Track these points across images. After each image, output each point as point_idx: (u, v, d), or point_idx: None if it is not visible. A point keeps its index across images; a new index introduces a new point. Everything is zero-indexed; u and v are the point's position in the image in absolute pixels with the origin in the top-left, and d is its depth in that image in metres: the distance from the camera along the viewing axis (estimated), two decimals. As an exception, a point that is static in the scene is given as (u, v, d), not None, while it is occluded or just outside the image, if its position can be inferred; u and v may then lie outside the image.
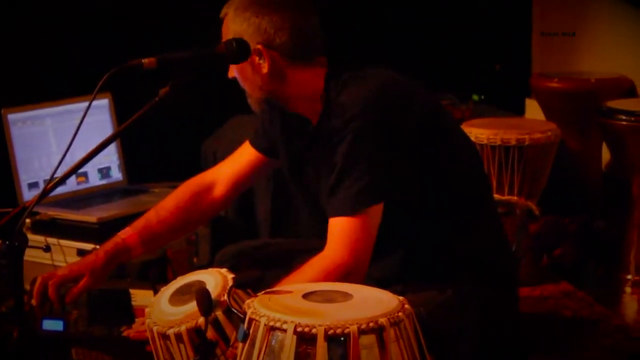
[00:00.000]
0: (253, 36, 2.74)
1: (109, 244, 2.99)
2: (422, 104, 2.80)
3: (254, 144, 3.11)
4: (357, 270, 2.63)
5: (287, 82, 2.79)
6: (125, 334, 2.78)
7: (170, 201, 3.12)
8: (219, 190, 3.14)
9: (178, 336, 2.33)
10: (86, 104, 2.61)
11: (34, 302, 2.85)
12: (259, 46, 2.75)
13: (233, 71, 2.84)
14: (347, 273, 2.60)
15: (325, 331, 2.00)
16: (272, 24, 2.74)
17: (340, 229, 2.66)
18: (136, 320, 2.90)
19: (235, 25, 2.76)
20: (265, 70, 2.77)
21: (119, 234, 3.02)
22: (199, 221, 3.23)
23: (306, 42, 2.79)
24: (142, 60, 2.63)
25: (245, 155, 3.13)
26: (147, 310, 2.46)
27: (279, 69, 2.77)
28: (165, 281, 3.49)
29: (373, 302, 2.14)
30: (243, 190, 3.23)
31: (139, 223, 3.05)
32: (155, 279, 3.64)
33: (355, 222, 2.65)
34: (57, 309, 2.92)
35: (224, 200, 3.17)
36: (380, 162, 2.67)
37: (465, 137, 2.98)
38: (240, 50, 2.72)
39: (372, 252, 2.69)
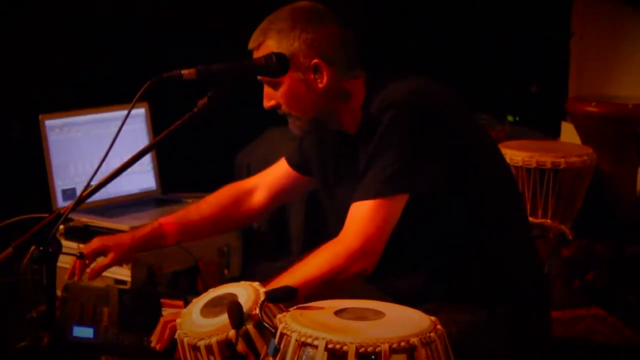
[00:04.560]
0: (308, 52, 2.73)
1: (147, 227, 3.11)
2: (461, 111, 2.80)
3: (288, 161, 3.13)
4: (366, 258, 2.63)
5: (340, 96, 2.79)
6: (152, 346, 2.78)
7: (211, 198, 3.20)
8: (258, 197, 3.19)
9: (208, 348, 2.33)
10: (123, 112, 2.63)
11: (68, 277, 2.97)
12: (317, 60, 2.74)
13: (274, 98, 2.81)
14: (356, 259, 2.62)
15: (357, 349, 2.00)
16: (325, 38, 2.75)
17: (358, 214, 2.66)
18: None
19: (282, 47, 2.73)
20: (322, 85, 2.76)
21: (159, 219, 3.12)
22: (235, 222, 3.28)
23: (352, 54, 2.80)
24: (182, 71, 2.63)
25: (282, 170, 3.16)
26: (178, 321, 2.46)
27: (334, 83, 2.77)
28: (196, 292, 3.51)
29: (405, 321, 2.14)
30: (280, 203, 3.28)
31: (178, 212, 3.16)
32: (185, 290, 3.65)
33: (375, 208, 2.64)
34: (87, 317, 2.94)
35: (262, 208, 3.21)
36: (410, 153, 2.66)
37: (501, 156, 2.97)
38: (279, 64, 2.71)
39: (399, 265, 2.69)
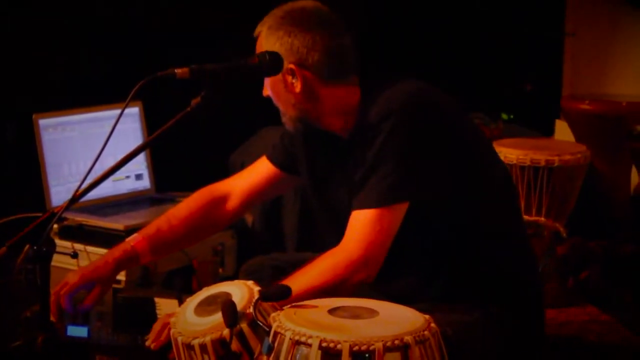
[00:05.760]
0: (286, 55, 2.72)
1: (118, 251, 2.96)
2: (455, 114, 2.80)
3: (271, 159, 3.10)
4: (368, 267, 2.63)
5: (320, 101, 2.78)
6: (147, 344, 2.78)
7: (182, 210, 3.10)
8: (232, 203, 3.13)
9: (202, 347, 2.33)
10: (117, 111, 2.62)
11: (53, 318, 2.82)
12: (292, 66, 2.74)
13: (267, 90, 2.84)
14: (357, 269, 2.61)
15: (350, 347, 2.00)
16: (305, 44, 2.73)
17: (359, 223, 2.65)
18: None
19: (268, 43, 2.75)
20: (298, 89, 2.76)
21: (128, 240, 3.00)
22: (209, 231, 3.21)
23: (339, 62, 2.78)
24: (175, 70, 2.62)
25: (261, 170, 3.11)
26: (172, 320, 2.45)
27: (312, 88, 2.77)
28: (190, 291, 3.50)
29: (399, 319, 2.14)
30: (256, 203, 3.25)
31: (149, 230, 3.03)
32: (180, 289, 3.64)
33: (377, 217, 2.63)
34: (81, 316, 2.93)
35: (236, 212, 3.16)
36: (411, 161, 2.66)
37: (496, 155, 2.97)
38: (273, 63, 2.71)
39: (395, 266, 2.68)
